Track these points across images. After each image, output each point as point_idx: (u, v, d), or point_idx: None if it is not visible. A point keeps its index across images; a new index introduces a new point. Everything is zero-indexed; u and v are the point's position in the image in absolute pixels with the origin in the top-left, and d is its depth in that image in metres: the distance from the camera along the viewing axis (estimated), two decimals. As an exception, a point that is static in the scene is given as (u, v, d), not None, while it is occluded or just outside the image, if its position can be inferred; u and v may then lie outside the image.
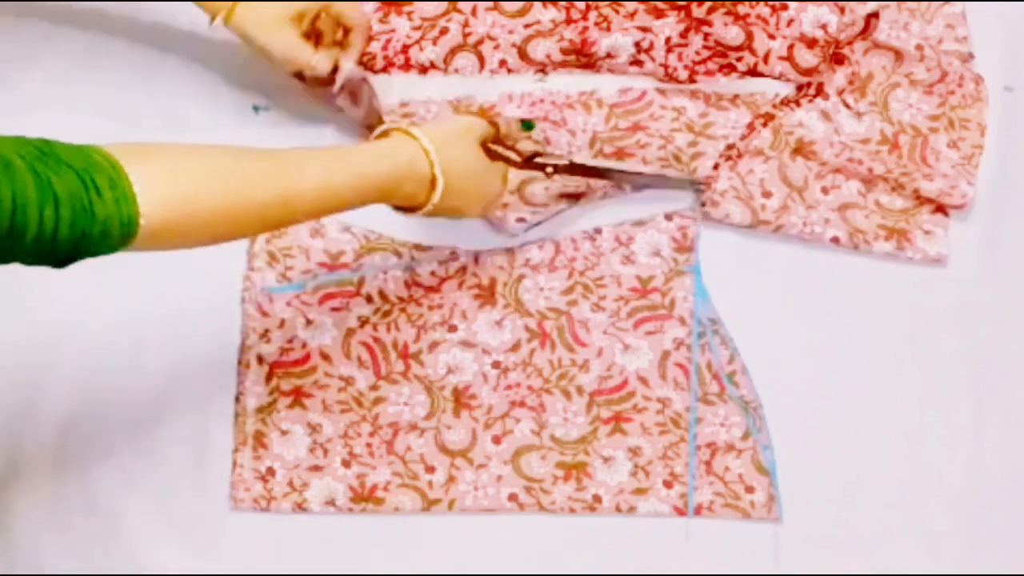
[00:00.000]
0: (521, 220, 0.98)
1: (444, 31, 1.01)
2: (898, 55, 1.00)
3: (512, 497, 0.96)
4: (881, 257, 0.98)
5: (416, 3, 1.02)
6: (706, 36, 0.99)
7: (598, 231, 0.99)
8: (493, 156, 0.92)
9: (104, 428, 0.96)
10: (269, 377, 0.97)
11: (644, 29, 0.99)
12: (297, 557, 0.95)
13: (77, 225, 0.66)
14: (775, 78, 1.01)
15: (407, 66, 1.01)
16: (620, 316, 0.98)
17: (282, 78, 0.98)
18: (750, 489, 0.95)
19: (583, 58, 1.01)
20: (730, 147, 0.98)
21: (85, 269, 0.98)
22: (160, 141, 0.98)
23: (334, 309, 0.97)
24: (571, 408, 0.97)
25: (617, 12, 1.00)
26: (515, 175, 0.96)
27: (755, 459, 0.95)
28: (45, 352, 0.97)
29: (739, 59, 1.00)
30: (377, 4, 1.02)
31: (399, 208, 0.87)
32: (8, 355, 0.97)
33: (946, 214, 0.99)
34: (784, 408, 0.96)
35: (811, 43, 0.99)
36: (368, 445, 0.96)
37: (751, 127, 0.99)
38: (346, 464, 0.96)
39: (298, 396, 0.97)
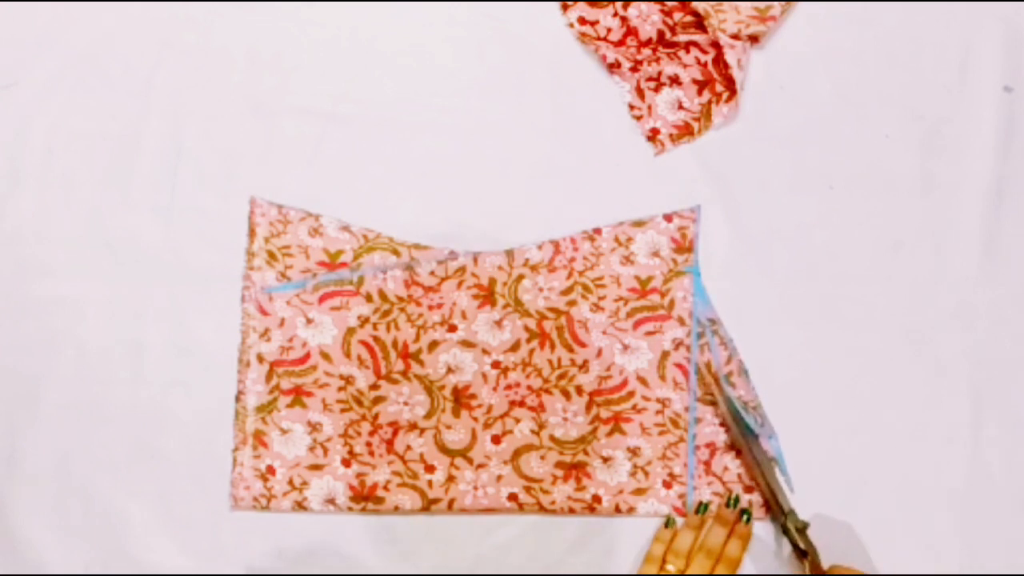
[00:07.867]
0: None
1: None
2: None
3: (512, 497, 0.96)
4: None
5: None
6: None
7: (597, 231, 0.99)
8: None
9: (104, 428, 0.96)
10: (269, 376, 0.97)
11: None
12: (297, 557, 0.95)
13: None
14: None
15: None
16: (619, 316, 0.98)
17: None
18: (749, 489, 0.95)
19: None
20: None
21: (85, 269, 0.99)
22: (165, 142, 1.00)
23: (334, 308, 0.98)
24: (571, 408, 0.97)
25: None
26: None
27: (754, 459, 0.96)
28: (45, 352, 0.97)
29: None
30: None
31: None
32: (8, 355, 0.97)
33: None
34: (784, 408, 0.96)
35: None
36: (368, 444, 0.96)
37: None
38: (346, 463, 0.96)
39: (298, 395, 0.97)
